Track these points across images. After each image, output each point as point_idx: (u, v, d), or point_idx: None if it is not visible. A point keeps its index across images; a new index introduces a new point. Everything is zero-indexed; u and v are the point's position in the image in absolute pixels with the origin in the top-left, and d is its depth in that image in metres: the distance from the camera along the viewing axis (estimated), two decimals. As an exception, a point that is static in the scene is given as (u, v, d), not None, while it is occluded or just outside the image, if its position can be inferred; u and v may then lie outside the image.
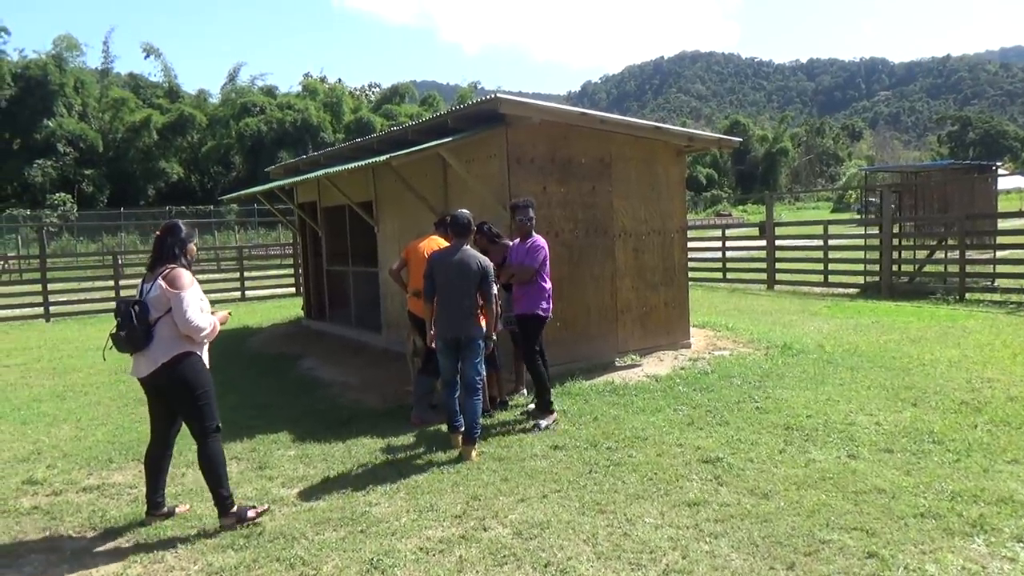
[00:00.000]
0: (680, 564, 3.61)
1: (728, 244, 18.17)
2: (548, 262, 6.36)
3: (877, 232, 14.12)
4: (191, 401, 4.25)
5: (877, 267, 13.97)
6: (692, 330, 9.33)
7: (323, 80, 58.53)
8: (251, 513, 4.34)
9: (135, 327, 4.10)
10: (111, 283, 17.31)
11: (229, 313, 4.72)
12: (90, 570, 3.90)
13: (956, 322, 10.19)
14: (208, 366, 4.38)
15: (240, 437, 6.06)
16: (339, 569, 3.74)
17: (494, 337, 5.76)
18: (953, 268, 12.98)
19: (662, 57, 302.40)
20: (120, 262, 19.14)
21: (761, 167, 74.49)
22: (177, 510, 4.54)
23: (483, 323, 5.56)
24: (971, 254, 13.57)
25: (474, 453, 5.34)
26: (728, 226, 21.04)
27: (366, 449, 5.68)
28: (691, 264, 11.78)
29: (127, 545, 4.18)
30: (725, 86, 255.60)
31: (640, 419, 6.09)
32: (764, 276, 16.01)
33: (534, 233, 6.38)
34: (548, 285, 6.34)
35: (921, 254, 14.92)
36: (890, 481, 4.51)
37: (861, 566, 3.51)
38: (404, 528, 4.17)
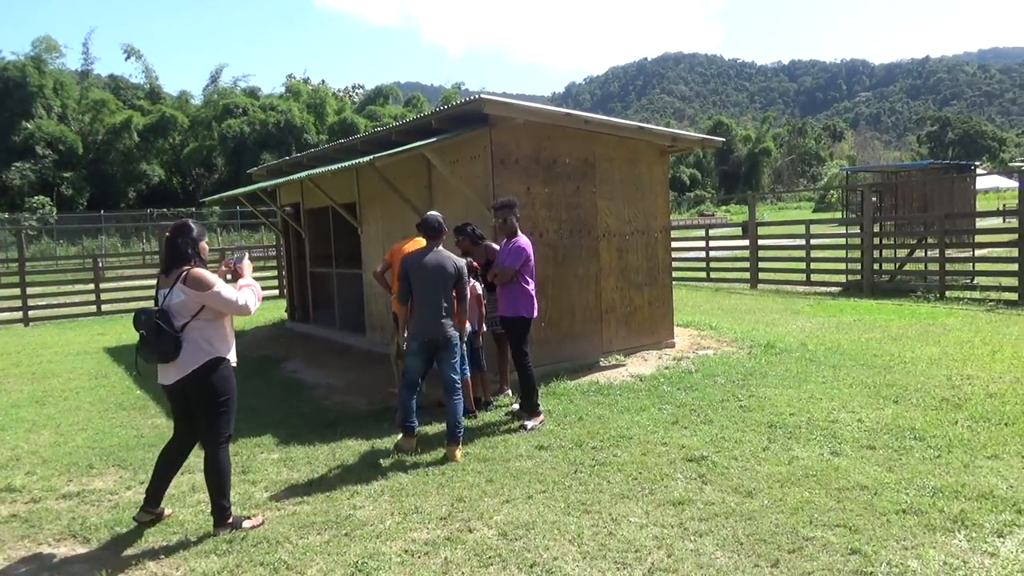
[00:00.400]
0: (665, 563, 3.62)
1: (711, 244, 18.29)
2: (532, 263, 6.34)
3: (858, 231, 14.24)
4: (215, 408, 4.18)
5: (859, 266, 14.10)
6: (676, 329, 9.36)
7: (306, 81, 58.27)
8: (247, 524, 4.27)
9: (164, 338, 4.01)
10: (91, 287, 17.10)
11: (247, 254, 4.63)
12: (70, 577, 3.84)
13: (936, 320, 10.30)
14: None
15: (223, 441, 6.00)
16: (323, 573, 3.71)
17: (467, 330, 5.81)
18: (933, 267, 13.12)
19: (645, 58, 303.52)
20: (100, 265, 18.90)
21: (744, 167, 74.92)
22: (164, 513, 4.48)
23: (457, 322, 5.60)
24: (951, 253, 13.72)
25: (458, 453, 5.33)
26: (711, 226, 21.18)
27: (350, 451, 5.64)
28: (675, 264, 11.84)
29: (107, 552, 4.12)
30: (708, 87, 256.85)
31: (625, 418, 6.10)
32: (747, 275, 16.12)
33: (520, 233, 6.37)
34: (531, 287, 6.31)
35: (902, 253, 15.08)
36: (872, 478, 4.54)
37: (844, 562, 3.53)
38: (389, 531, 4.15)
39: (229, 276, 4.48)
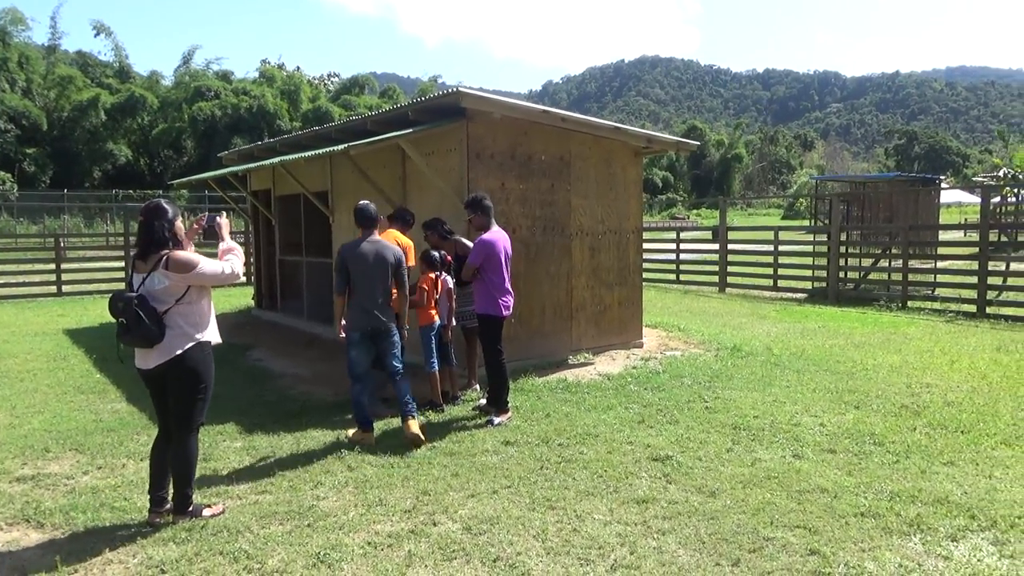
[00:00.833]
0: (628, 560, 3.64)
1: (682, 247, 18.49)
2: (501, 259, 6.13)
3: (826, 239, 14.48)
4: (192, 394, 4.08)
5: (824, 273, 14.34)
6: (645, 330, 9.43)
7: (281, 67, 57.31)
8: (207, 512, 4.19)
9: (146, 323, 3.89)
10: (52, 267, 16.69)
11: (223, 213, 4.55)
12: (22, 563, 3.75)
13: (898, 329, 10.52)
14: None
15: (185, 428, 5.89)
16: (284, 563, 3.67)
17: (407, 325, 5.79)
18: (896, 276, 13.39)
19: (623, 60, 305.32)
20: (63, 245, 18.47)
21: (716, 172, 75.67)
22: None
23: (395, 312, 5.61)
24: (914, 263, 14.02)
25: (414, 425, 5.38)
26: (682, 229, 21.42)
27: (315, 442, 5.59)
28: (645, 265, 11.91)
29: (62, 537, 4.03)
30: (684, 92, 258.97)
31: (591, 417, 6.13)
32: (716, 279, 16.29)
33: (493, 227, 6.27)
34: (498, 282, 6.10)
35: (867, 262, 15.37)
36: (832, 481, 4.62)
37: (803, 563, 3.59)
38: (352, 522, 4.11)
39: (201, 233, 4.42)
